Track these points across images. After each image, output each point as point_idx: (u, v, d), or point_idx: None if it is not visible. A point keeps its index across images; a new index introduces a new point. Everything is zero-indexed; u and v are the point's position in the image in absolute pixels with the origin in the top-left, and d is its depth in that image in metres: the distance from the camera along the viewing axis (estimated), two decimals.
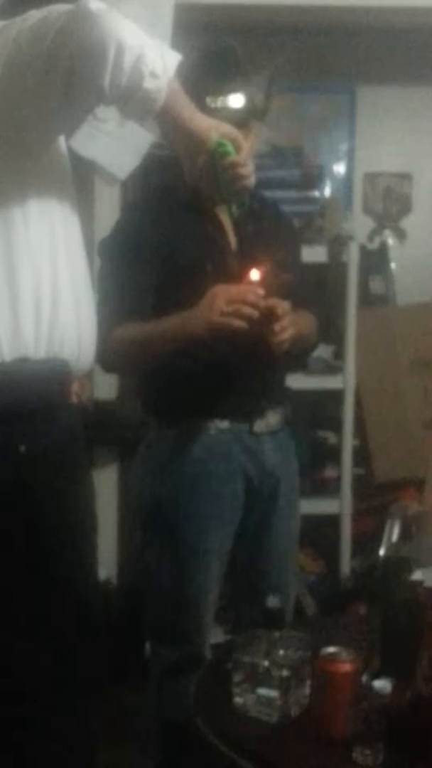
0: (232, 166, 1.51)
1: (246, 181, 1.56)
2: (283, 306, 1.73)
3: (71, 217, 1.47)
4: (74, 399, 1.49)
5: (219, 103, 1.81)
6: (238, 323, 1.69)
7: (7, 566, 1.36)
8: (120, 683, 2.44)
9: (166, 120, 1.40)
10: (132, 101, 1.31)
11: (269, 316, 1.72)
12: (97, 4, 1.25)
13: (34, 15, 1.29)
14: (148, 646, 2.20)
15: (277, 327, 1.71)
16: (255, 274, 1.73)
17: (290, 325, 1.74)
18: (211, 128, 1.46)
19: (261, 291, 1.70)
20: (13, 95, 1.31)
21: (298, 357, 2.06)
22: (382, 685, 1.39)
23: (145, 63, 1.27)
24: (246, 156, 1.55)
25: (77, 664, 1.40)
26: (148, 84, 1.28)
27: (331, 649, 1.39)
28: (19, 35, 1.29)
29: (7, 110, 1.33)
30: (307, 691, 1.44)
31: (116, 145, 2.55)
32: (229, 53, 1.90)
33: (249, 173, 1.56)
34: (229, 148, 1.49)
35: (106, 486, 2.82)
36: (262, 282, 1.73)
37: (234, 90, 1.84)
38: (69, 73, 1.26)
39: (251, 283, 1.72)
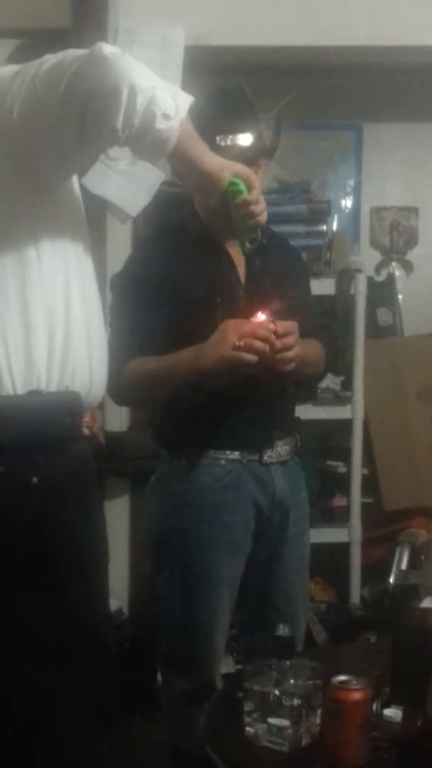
0: (245, 204, 1.56)
1: (258, 219, 1.60)
2: (287, 325, 1.75)
3: (84, 253, 1.50)
4: (85, 431, 1.51)
5: (229, 141, 1.85)
6: (250, 357, 1.71)
7: (20, 597, 1.37)
8: (131, 713, 2.44)
9: (180, 160, 1.44)
10: (145, 142, 1.35)
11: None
12: (110, 48, 1.29)
13: (50, 59, 1.33)
14: (159, 675, 2.21)
15: (279, 344, 1.72)
16: (265, 309, 1.76)
17: (295, 343, 1.75)
18: (224, 168, 1.50)
19: (272, 326, 1.72)
20: (30, 136, 1.35)
21: (306, 384, 2.07)
22: (392, 713, 1.40)
23: (157, 104, 1.31)
24: (258, 194, 1.59)
25: (90, 695, 1.41)
26: (161, 125, 1.32)
27: (342, 678, 1.39)
28: (36, 78, 1.33)
29: (23, 151, 1.37)
30: (318, 720, 1.44)
31: (128, 183, 2.60)
32: (239, 93, 1.95)
33: (261, 211, 1.60)
34: (242, 186, 1.53)
35: (117, 517, 2.83)
36: (272, 316, 1.75)
37: (243, 129, 1.88)
38: (83, 115, 1.29)
39: (262, 317, 1.75)
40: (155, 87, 1.31)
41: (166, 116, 1.32)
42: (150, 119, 1.31)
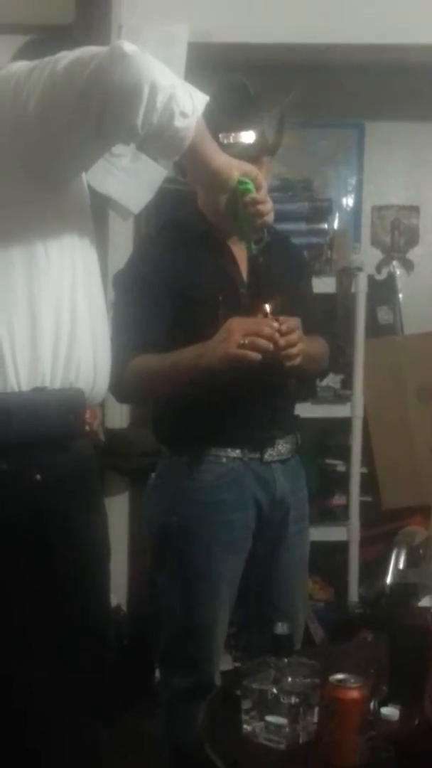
0: (253, 203, 1.57)
1: (266, 218, 1.61)
2: (290, 322, 1.75)
3: (90, 250, 1.50)
4: (86, 428, 1.52)
5: (232, 139, 1.85)
6: (254, 356, 1.71)
7: (22, 594, 1.37)
8: (129, 710, 2.45)
9: (192, 158, 1.44)
10: (162, 139, 1.36)
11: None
12: (130, 46, 1.29)
13: (67, 55, 1.33)
14: (157, 672, 2.21)
15: (283, 341, 1.72)
16: (268, 307, 1.76)
17: (298, 340, 1.76)
18: (233, 167, 1.51)
19: (276, 324, 1.72)
20: (45, 131, 1.35)
21: (309, 381, 2.07)
22: (390, 711, 1.41)
23: (176, 103, 1.31)
24: (266, 193, 1.60)
25: (89, 691, 1.42)
26: (178, 123, 1.33)
27: (340, 676, 1.40)
28: (53, 74, 1.33)
29: (37, 146, 1.37)
30: (315, 718, 1.45)
31: (130, 180, 2.60)
32: (241, 90, 1.95)
33: (269, 210, 1.61)
34: (250, 186, 1.54)
35: (116, 513, 2.84)
36: (276, 314, 1.76)
37: (246, 126, 1.88)
38: (102, 111, 1.29)
39: (265, 315, 1.76)
40: (174, 85, 1.32)
41: (183, 114, 1.33)
42: (169, 117, 1.32)
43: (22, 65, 1.40)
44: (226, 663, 2.36)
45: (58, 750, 1.41)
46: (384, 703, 1.42)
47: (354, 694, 1.36)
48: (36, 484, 1.38)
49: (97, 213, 1.56)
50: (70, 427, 1.43)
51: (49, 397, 1.40)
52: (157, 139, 1.36)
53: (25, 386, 1.39)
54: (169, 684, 1.98)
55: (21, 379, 1.39)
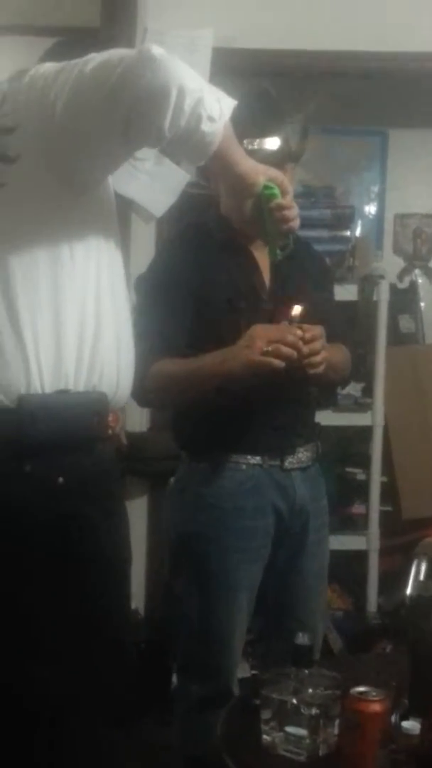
0: (279, 209, 1.57)
1: (292, 224, 1.60)
2: (313, 330, 1.74)
3: (115, 252, 1.50)
4: (109, 431, 1.51)
5: (256, 145, 1.85)
6: (278, 363, 1.70)
7: (43, 596, 1.37)
8: (145, 716, 2.43)
9: (218, 162, 1.44)
10: (189, 143, 1.36)
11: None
12: (159, 49, 1.29)
13: (95, 57, 1.33)
14: (174, 678, 2.20)
15: (306, 349, 1.71)
16: (292, 313, 1.75)
17: (322, 348, 1.75)
18: (259, 172, 1.51)
19: (299, 331, 1.71)
20: (72, 134, 1.35)
21: (331, 389, 2.06)
22: (410, 725, 1.39)
23: (204, 107, 1.31)
24: (291, 199, 1.59)
25: (107, 696, 1.41)
26: (206, 127, 1.33)
27: (361, 689, 1.39)
28: (81, 75, 1.33)
29: (64, 148, 1.37)
30: (335, 730, 1.43)
31: (153, 184, 2.60)
32: (266, 97, 1.94)
33: (295, 216, 1.60)
34: (276, 191, 1.54)
35: (135, 517, 2.83)
36: (298, 321, 1.75)
37: (270, 133, 1.88)
38: (130, 114, 1.29)
39: (289, 322, 1.75)
40: (203, 89, 1.32)
41: (211, 119, 1.33)
42: (196, 121, 1.31)
43: (49, 67, 1.41)
44: (243, 671, 2.35)
45: (73, 752, 1.40)
46: (405, 717, 1.40)
47: (375, 707, 1.34)
48: (58, 487, 1.37)
49: (119, 216, 1.56)
50: (93, 430, 1.43)
51: (73, 400, 1.40)
52: (184, 143, 1.36)
53: (49, 388, 1.39)
54: (186, 691, 1.96)
55: (45, 381, 1.38)
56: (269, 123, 1.89)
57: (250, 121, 1.82)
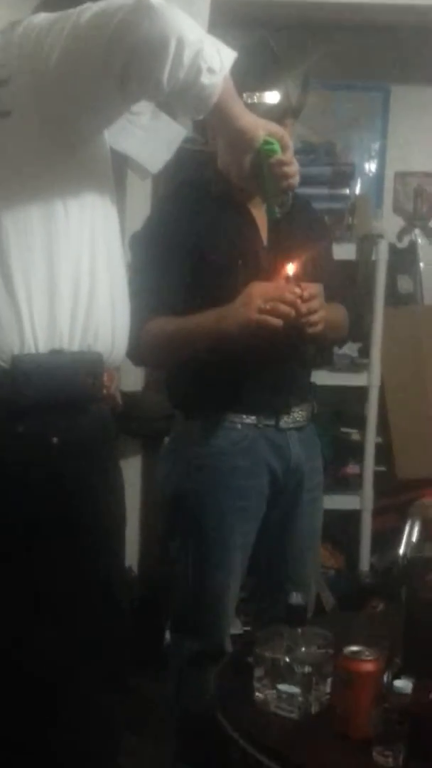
0: (279, 165, 1.53)
1: (291, 180, 1.57)
2: (312, 288, 1.72)
3: (110, 210, 1.48)
4: (104, 391, 1.50)
5: (255, 99, 1.81)
6: (276, 321, 1.68)
7: (38, 556, 1.37)
8: (139, 672, 2.46)
9: (217, 116, 1.40)
10: (188, 96, 1.32)
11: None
12: None
13: (91, 7, 1.30)
14: (167, 635, 2.22)
15: (305, 308, 1.70)
16: (290, 271, 1.73)
17: (320, 307, 1.73)
18: (259, 127, 1.48)
19: (297, 290, 1.69)
20: (68, 86, 1.32)
21: (328, 348, 2.04)
22: (403, 684, 1.40)
23: (203, 58, 1.27)
24: (291, 155, 1.56)
25: (104, 655, 1.42)
26: (205, 79, 1.29)
27: (354, 648, 1.40)
28: (76, 27, 1.29)
29: (58, 102, 1.34)
30: (328, 688, 1.45)
31: (149, 139, 2.54)
32: (265, 49, 1.90)
33: (295, 172, 1.57)
34: (276, 146, 1.51)
35: (129, 476, 2.83)
36: (297, 279, 1.73)
37: (270, 86, 1.84)
38: (127, 65, 1.26)
39: (287, 280, 1.72)
40: (202, 40, 1.28)
41: (211, 71, 1.29)
42: (195, 73, 1.28)
43: (43, 18, 1.37)
44: (235, 627, 2.37)
45: (72, 710, 1.41)
46: (397, 676, 1.41)
47: (368, 666, 1.36)
48: (53, 447, 1.37)
49: (114, 173, 1.54)
50: (88, 391, 1.42)
51: (67, 360, 1.39)
52: (183, 96, 1.32)
53: (43, 348, 1.37)
54: (180, 648, 1.98)
55: (39, 341, 1.37)
56: (269, 76, 1.85)
57: (250, 74, 1.79)
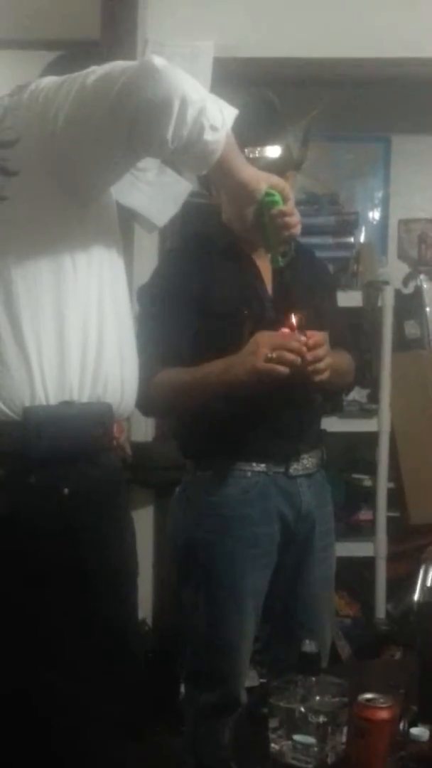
0: (281, 215, 1.58)
1: (293, 230, 1.61)
2: (317, 336, 1.74)
3: (117, 262, 1.51)
4: (113, 441, 1.52)
5: (257, 153, 1.86)
6: (282, 369, 1.70)
7: (51, 606, 1.37)
8: (154, 725, 2.43)
9: (220, 171, 1.45)
10: (192, 153, 1.37)
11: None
12: (161, 60, 1.31)
13: (97, 70, 1.35)
14: (182, 688, 2.20)
15: (310, 356, 1.72)
16: (295, 321, 1.75)
17: (326, 354, 1.75)
18: (260, 179, 1.53)
19: (303, 338, 1.72)
20: (75, 146, 1.36)
21: (335, 395, 2.05)
22: (419, 732, 1.38)
23: (206, 116, 1.32)
24: (293, 206, 1.60)
25: (117, 706, 1.41)
26: (208, 136, 1.34)
27: (369, 696, 1.38)
28: (83, 88, 1.34)
29: (66, 161, 1.38)
30: (343, 737, 1.43)
31: (156, 194, 2.60)
32: (267, 105, 1.95)
33: (296, 222, 1.61)
34: (278, 198, 1.55)
35: (141, 527, 2.83)
36: (302, 327, 1.75)
37: (271, 141, 1.88)
38: (133, 124, 1.31)
39: (292, 329, 1.75)
40: (204, 99, 1.33)
41: (213, 128, 1.34)
42: (199, 131, 1.33)
43: (50, 81, 1.42)
44: (251, 679, 2.34)
45: (85, 763, 1.40)
46: (414, 723, 1.39)
47: (384, 714, 1.34)
48: (64, 498, 1.38)
49: (122, 226, 1.57)
50: (99, 441, 1.43)
51: (77, 411, 1.41)
52: (187, 153, 1.37)
53: (53, 400, 1.39)
54: (195, 700, 1.96)
55: (49, 393, 1.39)
56: (270, 131, 1.89)
57: (251, 130, 1.83)
